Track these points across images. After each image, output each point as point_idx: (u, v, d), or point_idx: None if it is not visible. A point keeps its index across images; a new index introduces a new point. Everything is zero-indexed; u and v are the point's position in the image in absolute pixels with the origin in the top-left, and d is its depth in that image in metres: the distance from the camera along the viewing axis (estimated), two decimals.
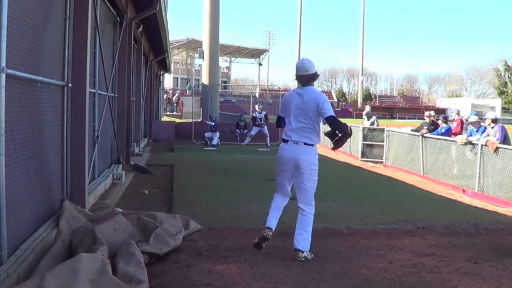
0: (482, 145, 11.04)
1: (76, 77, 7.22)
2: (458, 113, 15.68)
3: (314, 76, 6.18)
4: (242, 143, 23.37)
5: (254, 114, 24.25)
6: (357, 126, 18.53)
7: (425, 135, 13.54)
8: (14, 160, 5.01)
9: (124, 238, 5.42)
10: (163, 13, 16.04)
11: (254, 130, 23.64)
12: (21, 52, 5.13)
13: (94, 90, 9.51)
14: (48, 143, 6.31)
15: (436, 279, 5.17)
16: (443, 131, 13.67)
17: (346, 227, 7.54)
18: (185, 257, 5.74)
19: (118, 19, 12.47)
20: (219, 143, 22.82)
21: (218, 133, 23.08)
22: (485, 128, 11.78)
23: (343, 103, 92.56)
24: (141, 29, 16.66)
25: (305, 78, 6.09)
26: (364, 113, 20.14)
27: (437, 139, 13.13)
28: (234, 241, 6.51)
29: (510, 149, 10.26)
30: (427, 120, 14.93)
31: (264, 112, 24.01)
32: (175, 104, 60.39)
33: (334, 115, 6.05)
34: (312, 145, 6.10)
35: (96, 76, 9.70)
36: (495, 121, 11.56)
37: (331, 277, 5.23)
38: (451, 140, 12.55)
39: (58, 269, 3.99)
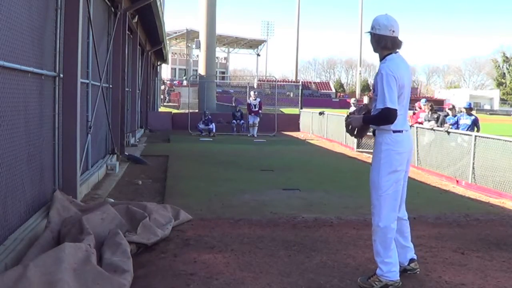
0: (475, 135, 11.08)
1: (68, 67, 7.20)
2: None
3: None
4: (248, 135, 23.65)
5: (248, 101, 24.40)
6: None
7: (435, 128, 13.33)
8: (4, 150, 5.03)
9: (112, 228, 5.45)
10: (158, 3, 16.03)
11: (251, 119, 23.87)
12: (10, 43, 5.13)
13: (87, 81, 9.51)
14: (39, 134, 6.32)
15: (421, 269, 5.18)
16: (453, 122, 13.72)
17: (337, 217, 7.55)
18: (172, 247, 5.78)
19: (113, 10, 12.44)
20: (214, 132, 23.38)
21: (213, 124, 23.66)
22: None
23: (341, 94, 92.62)
24: (136, 20, 16.62)
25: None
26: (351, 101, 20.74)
27: (429, 129, 13.18)
28: (223, 231, 6.53)
29: (504, 140, 10.29)
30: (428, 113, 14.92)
31: (258, 99, 24.24)
32: (167, 96, 61.14)
33: None
34: None
35: (89, 66, 9.69)
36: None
37: (316, 267, 5.26)
38: (443, 131, 12.59)
39: (41, 258, 4.02)
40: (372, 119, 4.78)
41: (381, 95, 4.56)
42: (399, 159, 4.71)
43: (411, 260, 5.05)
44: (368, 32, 4.79)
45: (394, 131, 4.69)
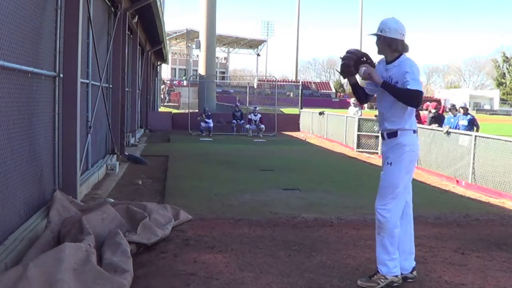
0: (475, 135, 11.09)
1: (68, 67, 7.20)
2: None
3: None
4: (248, 135, 23.87)
5: (249, 116, 24.53)
6: (353, 116, 18.63)
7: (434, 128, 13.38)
8: (4, 150, 5.03)
9: (112, 228, 5.45)
10: (158, 3, 16.03)
11: (249, 126, 24.32)
12: (10, 43, 5.12)
13: (87, 81, 9.51)
14: (39, 134, 6.31)
15: (421, 269, 5.19)
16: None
17: (337, 217, 7.55)
18: (172, 247, 5.78)
19: (113, 10, 12.44)
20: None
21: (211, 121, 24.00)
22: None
23: (341, 94, 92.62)
24: (136, 20, 16.62)
25: None
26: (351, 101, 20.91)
27: (429, 129, 13.18)
28: (223, 231, 6.53)
29: (504, 140, 10.29)
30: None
31: (259, 115, 24.49)
32: (166, 96, 61.42)
33: None
34: None
35: (89, 66, 9.69)
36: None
37: (316, 267, 5.26)
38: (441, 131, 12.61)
39: (41, 258, 4.02)
40: (398, 90, 4.67)
41: (415, 79, 4.58)
42: (416, 159, 4.94)
43: (413, 268, 5.03)
44: (376, 34, 4.82)
45: (414, 131, 4.84)
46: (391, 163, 4.82)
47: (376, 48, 4.95)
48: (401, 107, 4.72)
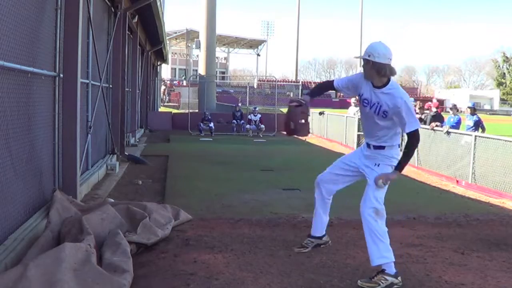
0: (475, 136, 11.09)
1: (68, 67, 7.20)
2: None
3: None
4: (248, 135, 23.95)
5: (249, 117, 24.59)
6: (353, 116, 18.62)
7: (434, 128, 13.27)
8: (3, 150, 5.03)
9: (112, 228, 5.45)
10: (158, 3, 16.03)
11: (250, 127, 24.41)
12: (10, 43, 5.12)
13: (87, 81, 9.51)
14: (39, 134, 6.31)
15: (421, 269, 5.20)
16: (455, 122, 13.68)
17: (337, 217, 7.51)
18: (172, 247, 5.77)
19: (113, 10, 12.44)
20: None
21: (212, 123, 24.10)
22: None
23: (341, 94, 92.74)
24: (136, 20, 16.62)
25: None
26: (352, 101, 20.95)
27: (429, 129, 13.15)
28: (223, 231, 6.52)
29: (504, 140, 10.29)
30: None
31: (259, 115, 24.58)
32: (166, 96, 61.28)
33: None
34: None
35: (89, 66, 9.69)
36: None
37: (316, 267, 5.26)
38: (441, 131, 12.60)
39: (41, 258, 4.02)
40: (409, 155, 4.97)
41: (412, 118, 4.81)
42: None
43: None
44: (364, 58, 4.87)
45: (399, 146, 5.13)
46: (378, 164, 5.07)
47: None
48: (393, 132, 4.97)
